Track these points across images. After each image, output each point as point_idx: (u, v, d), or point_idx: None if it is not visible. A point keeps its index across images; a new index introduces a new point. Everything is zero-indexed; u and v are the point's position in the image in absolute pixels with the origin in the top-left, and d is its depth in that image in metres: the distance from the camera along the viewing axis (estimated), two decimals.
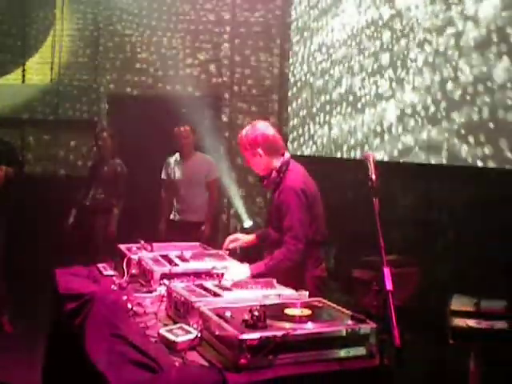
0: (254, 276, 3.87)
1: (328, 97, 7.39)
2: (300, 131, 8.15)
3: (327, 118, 7.37)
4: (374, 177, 2.87)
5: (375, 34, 6.33)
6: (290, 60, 8.53)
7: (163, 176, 7.27)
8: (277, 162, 4.26)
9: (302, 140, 8.11)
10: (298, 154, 7.94)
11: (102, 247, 7.34)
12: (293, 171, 4.24)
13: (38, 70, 8.59)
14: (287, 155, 4.32)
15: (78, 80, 8.68)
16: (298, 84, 8.24)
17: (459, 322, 4.31)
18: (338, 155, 7.05)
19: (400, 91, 5.85)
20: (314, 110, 7.74)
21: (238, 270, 3.94)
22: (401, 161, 5.82)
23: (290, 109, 8.51)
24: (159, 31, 8.83)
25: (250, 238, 4.58)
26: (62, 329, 3.73)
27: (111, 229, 7.48)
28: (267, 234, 4.43)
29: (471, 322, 4.27)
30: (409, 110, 5.72)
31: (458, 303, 4.45)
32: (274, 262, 4.02)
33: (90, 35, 8.72)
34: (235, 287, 3.43)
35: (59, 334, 3.93)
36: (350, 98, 6.87)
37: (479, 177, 4.97)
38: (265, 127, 4.34)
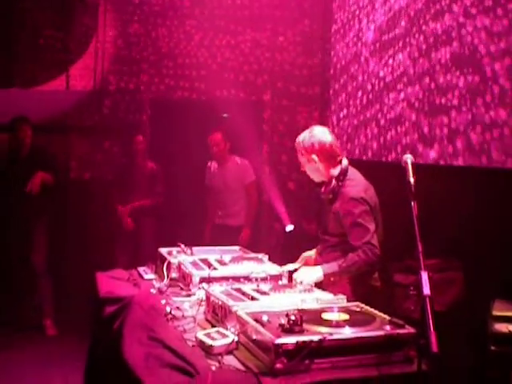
0: (326, 276, 3.85)
1: None
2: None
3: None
4: (412, 180, 2.83)
5: None
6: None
7: (206, 181, 7.31)
8: (334, 171, 4.15)
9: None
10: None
11: (142, 251, 7.41)
12: (352, 179, 4.13)
13: (82, 76, 8.69)
14: (345, 162, 4.19)
15: (121, 86, 8.76)
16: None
17: (501, 327, 4.24)
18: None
19: None
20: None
21: (309, 270, 3.92)
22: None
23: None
24: (200, 35, 8.86)
25: (313, 253, 4.44)
26: (102, 333, 3.76)
27: (149, 232, 7.54)
28: (322, 241, 4.34)
29: None
30: None
31: (500, 308, 4.38)
32: (347, 263, 3.91)
33: (132, 41, 8.79)
34: (273, 291, 3.43)
35: (100, 338, 3.96)
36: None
37: None
38: (322, 133, 4.21)
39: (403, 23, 6.46)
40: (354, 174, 4.21)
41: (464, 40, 5.40)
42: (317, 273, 3.88)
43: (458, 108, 5.47)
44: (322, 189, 4.22)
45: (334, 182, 4.13)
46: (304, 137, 4.22)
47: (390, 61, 6.73)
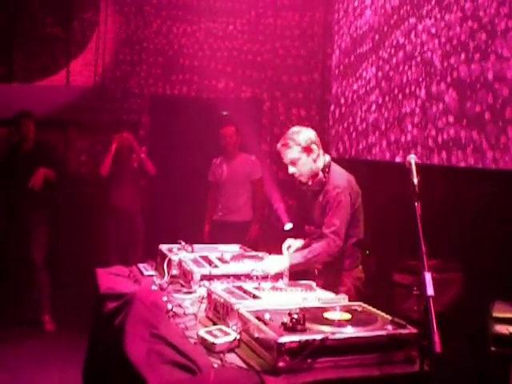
0: (292, 267, 3.92)
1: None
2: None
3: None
4: (415, 181, 2.82)
5: None
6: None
7: (210, 177, 7.29)
8: (320, 164, 4.29)
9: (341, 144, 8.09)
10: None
11: (133, 248, 7.42)
12: (336, 171, 4.31)
13: (82, 72, 8.67)
14: (327, 157, 4.36)
15: (121, 82, 8.75)
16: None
17: (501, 328, 4.25)
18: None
19: None
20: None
21: (275, 260, 4.00)
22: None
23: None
24: (202, 33, 8.86)
25: (301, 242, 4.52)
26: (103, 329, 3.76)
27: (140, 225, 7.55)
28: (309, 232, 4.45)
29: None
30: None
31: (500, 309, 4.38)
32: (312, 254, 4.06)
33: (133, 37, 8.78)
34: (275, 290, 3.44)
35: (100, 333, 3.96)
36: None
37: None
38: (306, 129, 4.34)
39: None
40: (337, 167, 4.38)
41: None
42: (283, 263, 3.96)
43: None
44: (310, 181, 4.33)
45: (320, 173, 4.28)
46: (293, 134, 4.29)
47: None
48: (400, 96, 6.63)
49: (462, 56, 5.51)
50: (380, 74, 7.10)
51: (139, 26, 8.79)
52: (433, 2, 6.05)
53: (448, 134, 5.70)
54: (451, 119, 5.65)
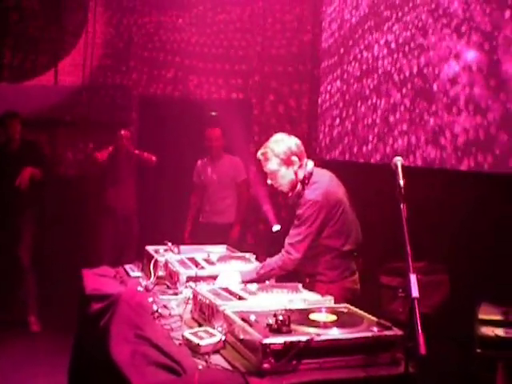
0: (245, 283, 3.75)
1: None
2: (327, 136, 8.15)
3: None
4: (401, 182, 2.82)
5: None
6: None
7: (194, 178, 7.28)
8: (300, 174, 4.13)
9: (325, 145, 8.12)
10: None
11: (127, 249, 7.42)
12: (315, 182, 4.10)
13: (70, 72, 8.65)
14: (310, 165, 4.18)
15: (110, 82, 8.73)
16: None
17: (487, 330, 4.26)
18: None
19: None
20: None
21: (228, 277, 3.87)
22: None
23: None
24: (190, 33, 8.86)
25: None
26: (88, 330, 3.75)
27: (135, 227, 7.55)
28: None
29: (499, 331, 4.21)
30: None
31: (486, 312, 4.39)
32: (265, 270, 3.95)
33: (122, 37, 8.76)
34: (260, 291, 3.43)
35: (85, 334, 3.95)
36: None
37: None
38: (288, 138, 4.20)
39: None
40: (320, 176, 4.18)
41: None
42: (235, 279, 3.85)
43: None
44: (290, 193, 4.21)
45: (299, 185, 4.13)
46: (273, 144, 4.14)
47: None
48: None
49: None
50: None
51: (128, 25, 8.77)
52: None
53: (434, 131, 5.72)
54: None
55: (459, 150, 5.27)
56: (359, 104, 7.27)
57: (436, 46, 5.63)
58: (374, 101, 6.86)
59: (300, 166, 4.13)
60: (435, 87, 5.61)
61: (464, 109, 5.17)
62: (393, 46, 6.48)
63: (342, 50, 7.83)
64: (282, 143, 4.13)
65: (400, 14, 6.33)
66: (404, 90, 6.20)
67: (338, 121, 7.89)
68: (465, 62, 5.19)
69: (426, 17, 5.80)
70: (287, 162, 4.09)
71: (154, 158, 7.47)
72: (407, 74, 6.14)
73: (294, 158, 4.10)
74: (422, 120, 5.86)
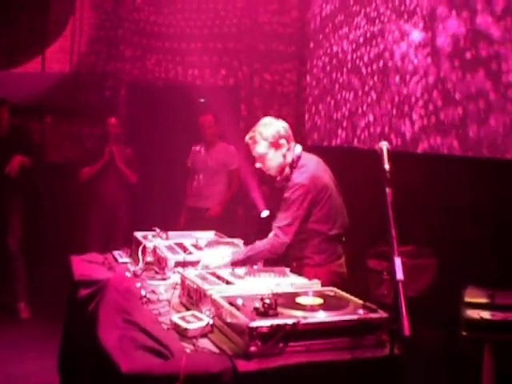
0: (233, 264, 3.83)
1: None
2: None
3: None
4: (387, 167, 2.83)
5: None
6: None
7: (188, 163, 7.31)
8: (289, 158, 4.17)
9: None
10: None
11: (116, 235, 7.43)
12: (303, 166, 4.14)
13: (58, 59, 8.61)
14: (298, 149, 4.22)
15: (98, 68, 8.70)
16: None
17: (473, 313, 4.29)
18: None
19: None
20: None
21: (216, 256, 3.94)
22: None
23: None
24: (180, 19, 8.82)
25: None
26: (77, 315, 3.76)
27: (123, 216, 7.56)
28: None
29: (485, 314, 4.25)
30: None
31: (472, 295, 4.43)
32: (253, 252, 3.97)
33: (110, 24, 8.73)
34: (248, 275, 3.45)
35: (74, 320, 3.96)
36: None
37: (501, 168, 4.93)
38: (276, 121, 4.25)
39: None
40: (308, 159, 4.22)
41: None
42: (223, 259, 3.90)
43: None
44: (278, 177, 4.25)
45: (287, 169, 4.17)
46: (262, 127, 4.19)
47: None
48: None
49: None
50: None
51: (115, 12, 8.74)
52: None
53: (421, 120, 5.74)
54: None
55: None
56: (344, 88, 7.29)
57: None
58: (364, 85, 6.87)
59: (288, 149, 4.17)
60: None
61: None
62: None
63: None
64: (271, 126, 4.17)
65: None
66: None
67: (321, 105, 7.92)
68: None
69: None
70: (275, 145, 4.13)
71: (134, 179, 7.48)
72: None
73: (283, 141, 4.14)
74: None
